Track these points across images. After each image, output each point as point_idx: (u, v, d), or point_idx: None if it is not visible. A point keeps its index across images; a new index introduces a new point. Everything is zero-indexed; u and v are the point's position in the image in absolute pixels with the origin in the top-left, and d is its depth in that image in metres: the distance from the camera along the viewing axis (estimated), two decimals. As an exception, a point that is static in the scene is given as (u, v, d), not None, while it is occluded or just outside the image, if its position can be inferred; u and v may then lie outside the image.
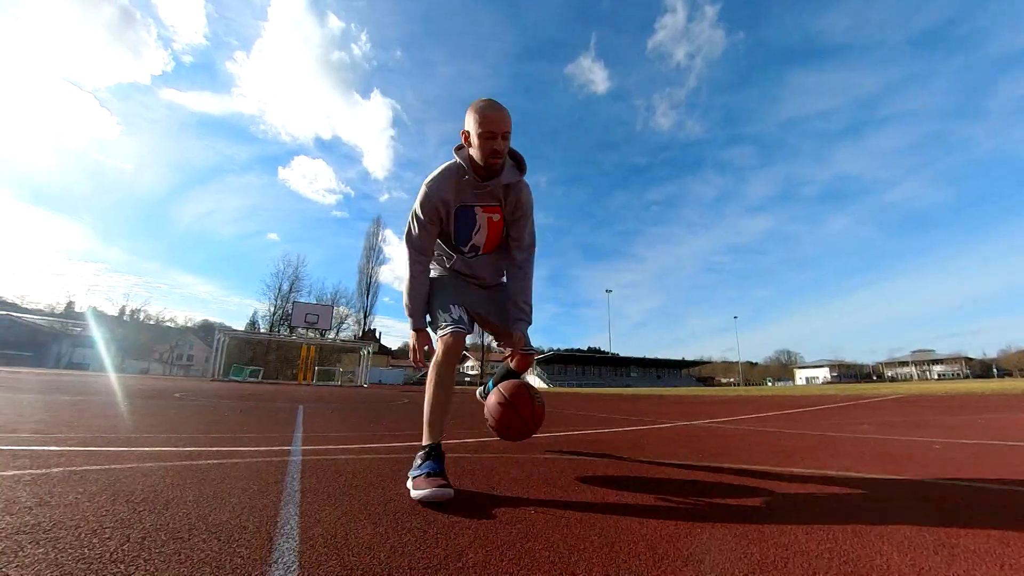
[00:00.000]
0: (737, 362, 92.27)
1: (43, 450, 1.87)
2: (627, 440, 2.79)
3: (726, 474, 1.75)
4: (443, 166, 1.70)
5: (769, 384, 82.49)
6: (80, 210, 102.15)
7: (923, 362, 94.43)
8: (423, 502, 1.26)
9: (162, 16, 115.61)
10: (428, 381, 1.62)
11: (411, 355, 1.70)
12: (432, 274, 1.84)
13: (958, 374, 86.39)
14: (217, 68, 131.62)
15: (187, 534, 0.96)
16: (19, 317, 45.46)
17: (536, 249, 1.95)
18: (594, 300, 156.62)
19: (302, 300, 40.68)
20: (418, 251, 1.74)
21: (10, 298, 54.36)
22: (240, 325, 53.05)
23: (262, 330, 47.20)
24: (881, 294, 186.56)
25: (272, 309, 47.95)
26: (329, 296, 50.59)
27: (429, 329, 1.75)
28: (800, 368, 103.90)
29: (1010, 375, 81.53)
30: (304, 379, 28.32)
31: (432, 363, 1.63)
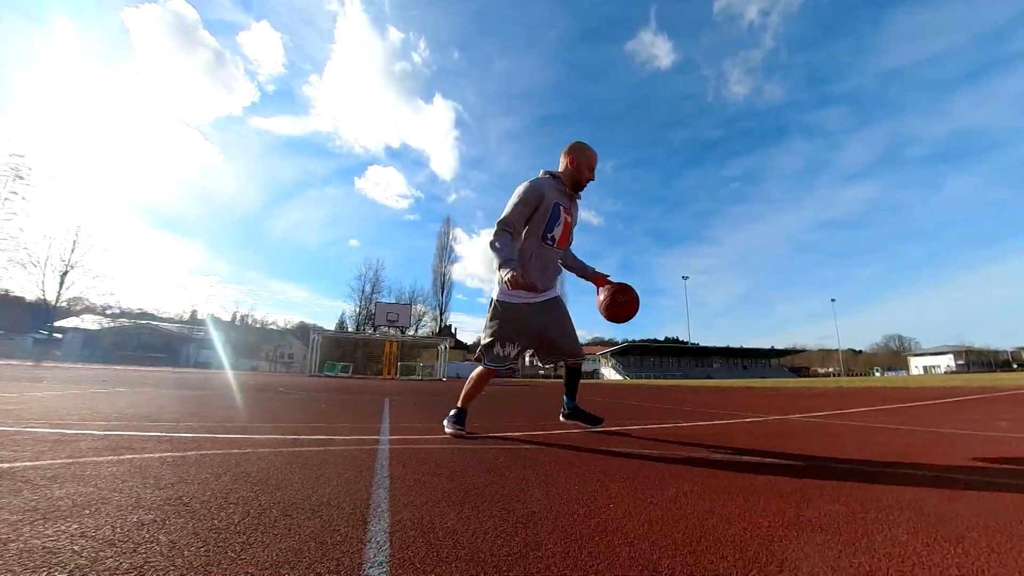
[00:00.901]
0: (837, 350, 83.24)
1: (179, 436, 2.19)
2: (710, 435, 2.65)
3: (824, 474, 1.59)
4: (544, 174, 2.44)
5: (877, 374, 73.37)
6: (194, 230, 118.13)
7: (1083, 347, 78.33)
8: (449, 435, 2.36)
9: (247, 52, 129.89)
10: (473, 376, 2.54)
11: (509, 285, 2.21)
12: (510, 300, 2.41)
13: None
14: (295, 93, 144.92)
15: (295, 512, 1.08)
16: (157, 325, 53.65)
17: None
18: (669, 288, 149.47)
19: (383, 300, 43.61)
20: (509, 226, 2.30)
21: (149, 309, 64.39)
22: (330, 325, 58.07)
23: (350, 329, 51.38)
24: (1017, 268, 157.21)
25: (357, 310, 52.05)
26: (407, 295, 53.68)
27: (483, 337, 2.47)
28: (916, 356, 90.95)
29: None
30: (388, 374, 30.29)
31: (479, 369, 2.50)
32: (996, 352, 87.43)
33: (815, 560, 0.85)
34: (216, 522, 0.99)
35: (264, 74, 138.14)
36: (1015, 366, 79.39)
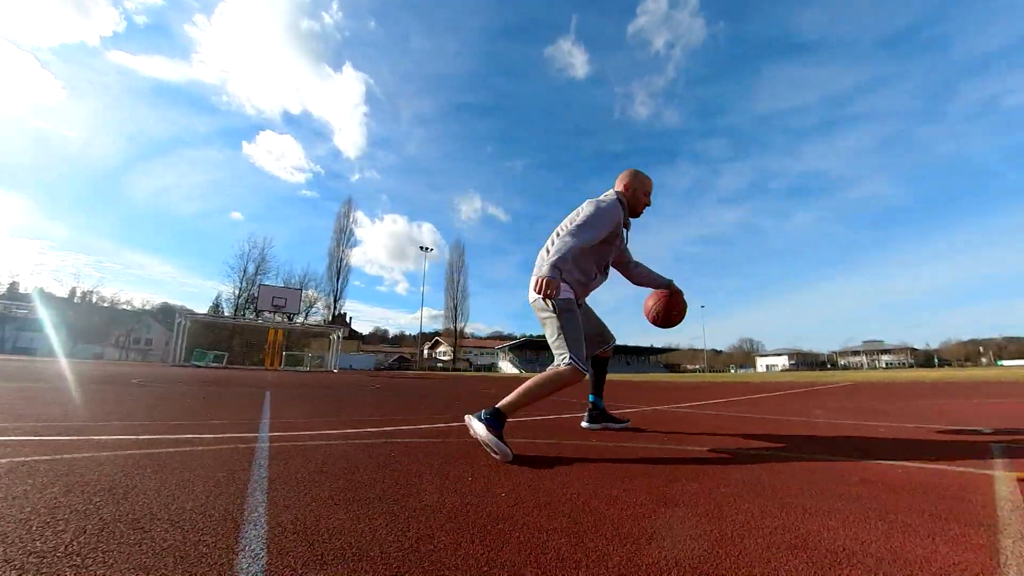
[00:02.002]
0: (703, 350, 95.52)
1: (-13, 438, 1.77)
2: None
3: (690, 457, 1.82)
4: (613, 198, 2.25)
5: (732, 371, 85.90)
6: (21, 181, 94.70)
7: (873, 352, 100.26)
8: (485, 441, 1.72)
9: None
10: (544, 379, 1.95)
11: (549, 291, 1.92)
12: (569, 295, 2.17)
13: (904, 363, 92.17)
14: (174, 31, 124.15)
15: (148, 524, 0.94)
16: (-46, 297, 42.29)
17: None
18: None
19: (269, 283, 39.44)
20: (589, 242, 2.10)
21: (-56, 276, 50.35)
22: (202, 308, 51.00)
23: (227, 313, 45.58)
24: (839, 288, 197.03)
25: (237, 292, 46.37)
26: (297, 279, 49.29)
27: (559, 348, 2.04)
28: (761, 356, 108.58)
29: (949, 365, 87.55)
30: (271, 364, 27.62)
31: (556, 383, 1.95)
32: (818, 354, 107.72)
33: (678, 531, 0.97)
34: (39, 544, 0.82)
35: (134, 1, 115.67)
36: (829, 366, 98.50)
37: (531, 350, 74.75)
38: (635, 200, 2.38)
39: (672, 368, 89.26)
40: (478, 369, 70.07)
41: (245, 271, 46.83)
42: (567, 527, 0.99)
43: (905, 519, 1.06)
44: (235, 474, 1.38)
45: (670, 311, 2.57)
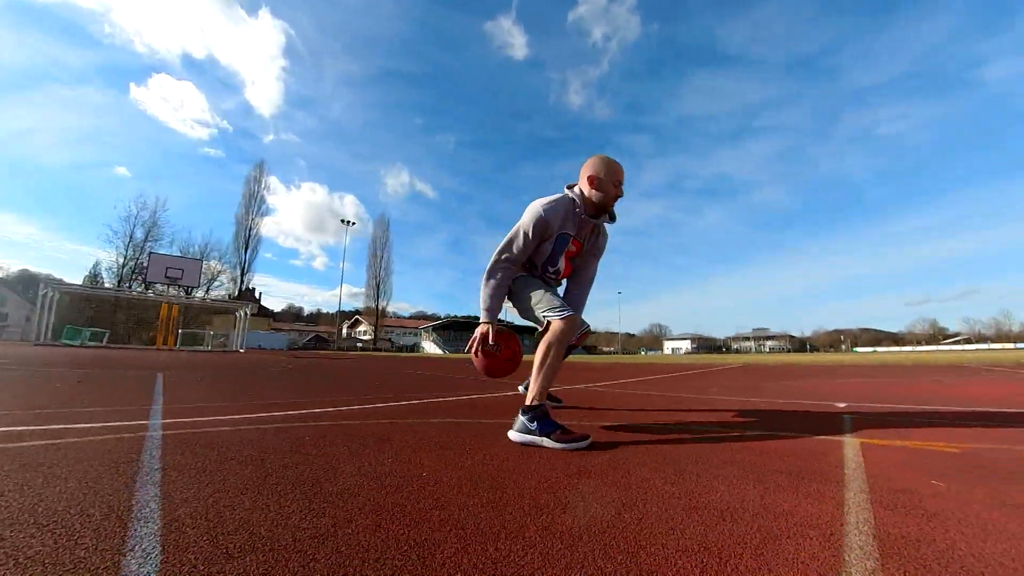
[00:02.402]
0: (618, 333, 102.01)
1: None
2: (515, 403, 2.95)
3: (600, 431, 1.95)
4: (557, 197, 2.01)
5: (642, 353, 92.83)
6: None
7: (760, 337, 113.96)
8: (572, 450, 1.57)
9: None
10: (551, 354, 1.84)
11: (474, 345, 1.98)
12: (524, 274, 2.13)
13: (784, 348, 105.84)
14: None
15: (6, 530, 0.81)
16: None
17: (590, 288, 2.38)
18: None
19: (162, 251, 34.97)
20: (513, 263, 2.01)
21: None
22: (76, 278, 44.10)
23: (107, 285, 39.84)
24: (736, 280, 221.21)
25: (122, 260, 40.56)
26: (197, 248, 44.28)
27: (541, 311, 1.97)
28: (668, 340, 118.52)
29: (818, 350, 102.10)
30: (164, 343, 24.76)
31: (557, 339, 1.85)
32: (715, 339, 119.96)
33: (589, 500, 1.04)
34: None
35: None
36: (724, 350, 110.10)
37: (455, 330, 74.66)
38: (603, 193, 1.98)
39: (589, 350, 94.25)
40: (400, 349, 68.59)
41: (132, 236, 41.03)
42: (487, 502, 1.02)
43: (776, 479, 1.24)
44: (120, 467, 1.23)
45: (491, 372, 2.16)
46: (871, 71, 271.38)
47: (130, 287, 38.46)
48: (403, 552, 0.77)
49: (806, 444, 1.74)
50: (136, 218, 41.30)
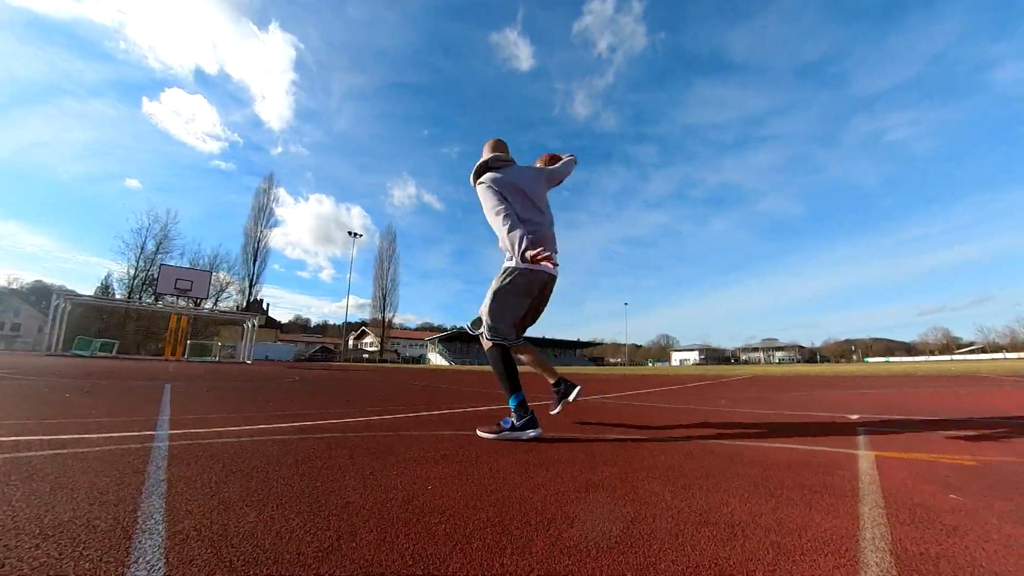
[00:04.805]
0: (624, 344, 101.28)
1: None
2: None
3: (609, 443, 1.93)
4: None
5: (650, 364, 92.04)
6: None
7: (769, 348, 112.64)
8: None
9: None
10: (497, 361, 2.20)
11: (533, 255, 2.01)
12: (538, 270, 2.23)
13: (793, 359, 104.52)
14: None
15: (12, 539, 0.81)
16: None
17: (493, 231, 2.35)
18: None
19: (172, 263, 35.40)
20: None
21: None
22: (87, 289, 44.67)
23: (119, 296, 40.33)
24: (744, 290, 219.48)
25: (132, 272, 41.04)
26: (207, 260, 44.69)
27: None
28: (676, 351, 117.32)
29: (828, 361, 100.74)
30: (173, 354, 24.95)
31: (492, 351, 2.23)
32: (723, 350, 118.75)
33: (596, 514, 1.02)
34: None
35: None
36: (733, 361, 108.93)
37: (461, 342, 74.46)
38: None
39: (596, 361, 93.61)
40: (406, 361, 68.55)
41: (143, 248, 41.51)
42: (493, 517, 1.01)
43: (788, 493, 1.21)
44: (126, 478, 1.23)
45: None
46: (878, 77, 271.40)
47: (140, 298, 38.86)
48: (408, 566, 0.76)
49: (819, 457, 1.70)
50: (148, 230, 41.88)
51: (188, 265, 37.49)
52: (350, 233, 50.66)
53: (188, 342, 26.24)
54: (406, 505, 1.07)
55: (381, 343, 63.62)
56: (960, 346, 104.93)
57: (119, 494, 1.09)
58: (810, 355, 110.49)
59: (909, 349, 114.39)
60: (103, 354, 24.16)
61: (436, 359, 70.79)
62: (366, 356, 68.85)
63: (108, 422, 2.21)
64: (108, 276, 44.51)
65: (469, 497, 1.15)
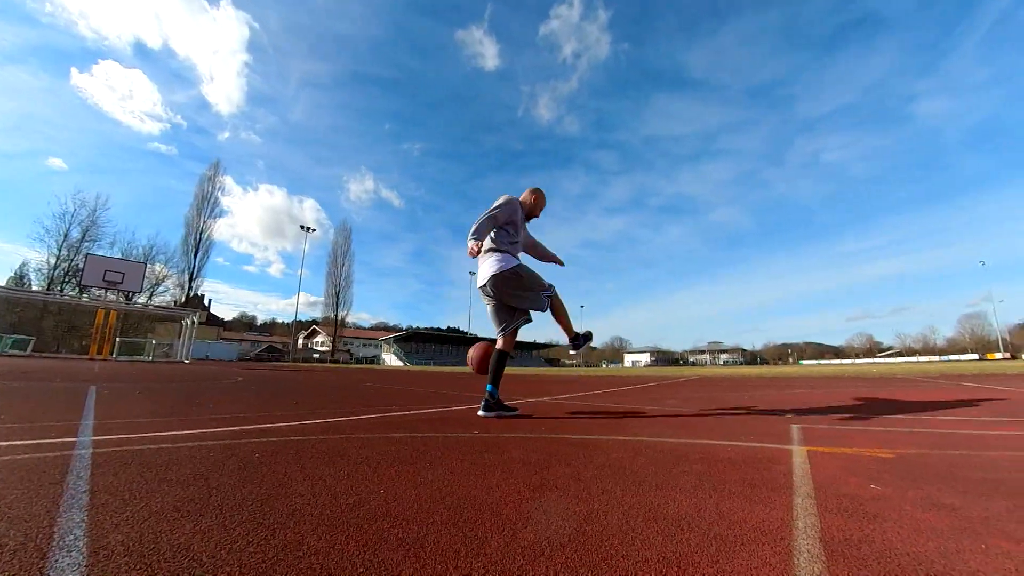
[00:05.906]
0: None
1: None
2: (476, 418, 2.92)
3: (563, 443, 1.96)
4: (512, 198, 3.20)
5: (604, 365, 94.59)
6: None
7: (714, 351, 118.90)
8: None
9: None
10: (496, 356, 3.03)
11: (473, 252, 2.85)
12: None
13: (736, 361, 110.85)
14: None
15: (-103, 560, 0.71)
16: None
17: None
18: (458, 280, 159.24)
19: (101, 253, 32.51)
20: (492, 228, 3.06)
21: None
22: (-3, 281, 40.14)
23: (35, 287, 36.56)
24: (693, 295, 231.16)
25: (53, 261, 37.35)
26: (141, 251, 41.44)
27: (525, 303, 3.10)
28: (628, 353, 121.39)
29: (768, 363, 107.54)
30: (99, 353, 22.93)
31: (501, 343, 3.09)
32: (672, 352, 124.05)
33: (551, 513, 1.04)
34: None
35: None
36: (681, 362, 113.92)
37: (417, 342, 73.28)
38: (534, 207, 3.39)
39: (552, 362, 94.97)
40: (359, 361, 66.63)
41: (67, 236, 37.87)
42: (447, 519, 1.00)
43: (730, 487, 1.28)
44: (40, 490, 1.12)
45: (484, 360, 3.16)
46: (820, 101, 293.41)
47: (61, 290, 35.43)
48: (359, 574, 0.73)
49: (758, 453, 1.81)
50: (73, 216, 38.20)
51: (120, 256, 34.61)
52: (303, 227, 48.69)
53: (117, 339, 24.22)
54: (356, 510, 1.04)
55: (333, 342, 61.45)
56: (881, 350, 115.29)
57: (31, 508, 0.98)
58: (751, 357, 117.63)
59: (838, 352, 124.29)
60: (15, 352, 21.85)
61: (391, 359, 69.24)
62: (317, 356, 66.25)
63: (19, 428, 2.00)
64: (23, 265, 40.27)
65: (423, 500, 1.13)
